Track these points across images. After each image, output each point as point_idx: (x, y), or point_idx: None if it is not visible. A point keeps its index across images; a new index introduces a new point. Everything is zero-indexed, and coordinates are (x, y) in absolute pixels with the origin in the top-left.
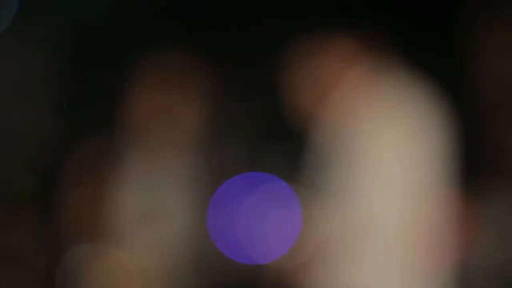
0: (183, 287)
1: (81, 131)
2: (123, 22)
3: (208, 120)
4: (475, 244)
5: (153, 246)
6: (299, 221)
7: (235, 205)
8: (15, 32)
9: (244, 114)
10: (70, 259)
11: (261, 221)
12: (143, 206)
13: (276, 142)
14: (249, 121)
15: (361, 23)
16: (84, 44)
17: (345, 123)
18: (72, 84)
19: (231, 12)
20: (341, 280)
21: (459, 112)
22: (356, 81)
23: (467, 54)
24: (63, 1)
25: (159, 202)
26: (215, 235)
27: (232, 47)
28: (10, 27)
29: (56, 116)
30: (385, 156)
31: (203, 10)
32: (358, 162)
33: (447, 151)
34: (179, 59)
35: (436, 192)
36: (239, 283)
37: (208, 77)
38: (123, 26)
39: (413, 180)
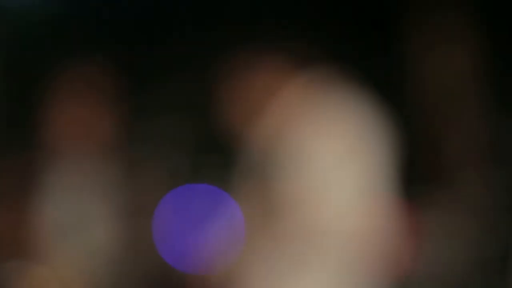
0: None
1: (1, 147)
2: (41, 36)
3: (131, 131)
4: (418, 253)
5: (77, 260)
6: (241, 232)
7: (175, 215)
8: None
9: (176, 126)
10: None
11: (202, 232)
12: (65, 220)
13: (210, 154)
14: (181, 133)
15: (297, 35)
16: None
17: (282, 136)
18: None
19: (166, 24)
20: None
21: (400, 120)
22: (294, 93)
23: (407, 63)
24: None
25: (81, 216)
26: (158, 244)
27: (166, 60)
28: None
29: None
30: (325, 167)
31: (135, 20)
32: (297, 173)
33: (389, 160)
34: (101, 72)
35: (379, 201)
36: None
37: (129, 91)
38: (41, 40)
39: (355, 190)
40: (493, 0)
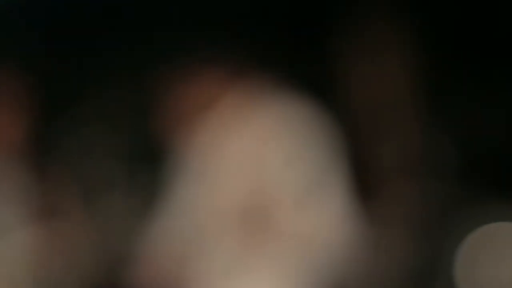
0: None
1: None
2: None
3: (68, 139)
4: (352, 263)
5: None
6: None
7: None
8: None
9: (111, 134)
10: None
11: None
12: None
13: (145, 161)
14: (116, 140)
15: (232, 45)
16: None
17: (219, 144)
18: None
19: (100, 32)
20: None
21: (334, 129)
22: (230, 102)
23: (341, 72)
24: None
25: None
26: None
27: (101, 68)
28: None
29: None
30: (263, 177)
31: (69, 28)
32: (235, 180)
33: (330, 165)
34: (18, 79)
35: (322, 207)
36: None
37: (65, 99)
38: None
39: (295, 201)
40: (429, 12)
